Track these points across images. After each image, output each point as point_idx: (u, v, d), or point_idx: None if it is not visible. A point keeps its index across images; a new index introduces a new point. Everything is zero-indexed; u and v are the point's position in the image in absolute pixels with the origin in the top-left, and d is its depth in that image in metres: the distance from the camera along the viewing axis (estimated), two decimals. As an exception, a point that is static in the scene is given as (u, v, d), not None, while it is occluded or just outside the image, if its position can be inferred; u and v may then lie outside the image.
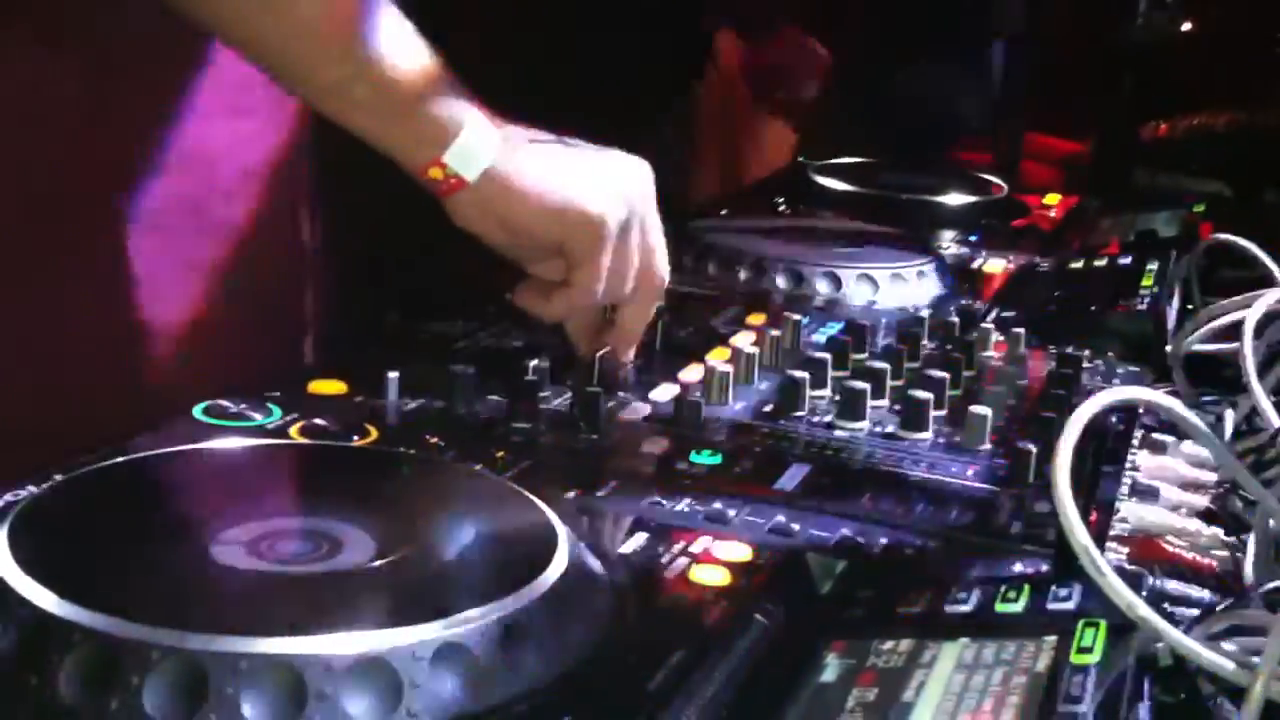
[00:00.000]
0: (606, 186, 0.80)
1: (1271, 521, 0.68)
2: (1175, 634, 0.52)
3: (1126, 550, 0.70)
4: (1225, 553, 0.74)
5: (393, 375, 0.77)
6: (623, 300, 0.84)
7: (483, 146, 0.77)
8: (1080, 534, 0.52)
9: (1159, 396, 0.59)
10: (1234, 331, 0.97)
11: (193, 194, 0.89)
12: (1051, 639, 0.53)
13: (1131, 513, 0.74)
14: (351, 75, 0.74)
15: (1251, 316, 0.88)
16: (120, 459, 0.62)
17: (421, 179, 0.78)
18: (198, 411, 0.72)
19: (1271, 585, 0.65)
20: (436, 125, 0.76)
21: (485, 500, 0.62)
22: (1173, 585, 0.67)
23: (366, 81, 0.74)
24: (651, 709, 0.49)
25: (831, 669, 0.54)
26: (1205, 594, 0.67)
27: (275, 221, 0.95)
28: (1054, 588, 0.57)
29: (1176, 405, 0.59)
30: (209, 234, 0.91)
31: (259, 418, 0.72)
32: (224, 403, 0.73)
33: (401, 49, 0.75)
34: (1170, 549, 0.73)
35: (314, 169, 1.01)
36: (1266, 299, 0.89)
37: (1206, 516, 0.77)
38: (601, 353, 0.83)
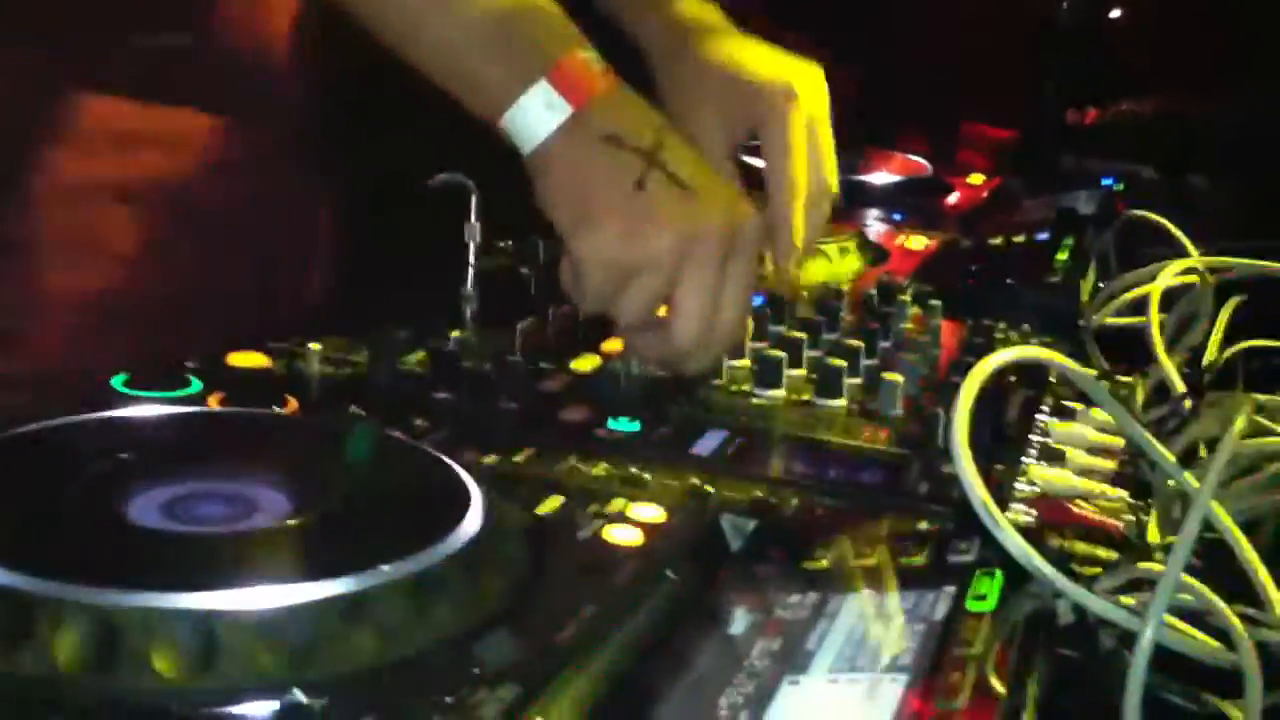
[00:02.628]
0: (673, 218, 0.75)
1: (1171, 482, 0.71)
2: (1067, 582, 0.54)
3: (1035, 512, 0.72)
4: (1131, 515, 0.76)
5: (313, 346, 0.78)
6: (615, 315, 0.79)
7: (538, 122, 0.74)
8: (975, 486, 0.54)
9: (1051, 355, 0.61)
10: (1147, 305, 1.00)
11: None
12: (950, 589, 0.55)
13: (1040, 476, 0.76)
14: (412, 32, 0.73)
15: (1156, 289, 0.90)
16: (33, 425, 0.62)
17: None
18: (117, 382, 0.72)
19: (1169, 541, 0.68)
20: (499, 85, 0.74)
21: (400, 463, 0.63)
22: (1079, 546, 0.69)
23: (433, 29, 0.73)
24: (560, 661, 0.50)
25: (739, 622, 0.55)
26: (1110, 555, 0.70)
27: (261, 206, 0.95)
28: (955, 542, 0.59)
29: (1068, 363, 0.61)
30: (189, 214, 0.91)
31: (178, 389, 0.73)
32: (141, 373, 0.73)
33: None
34: (1078, 511, 0.75)
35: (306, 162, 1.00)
36: (1170, 270, 0.91)
37: (1115, 482, 0.80)
38: (523, 324, 0.84)
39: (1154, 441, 0.64)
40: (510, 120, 0.75)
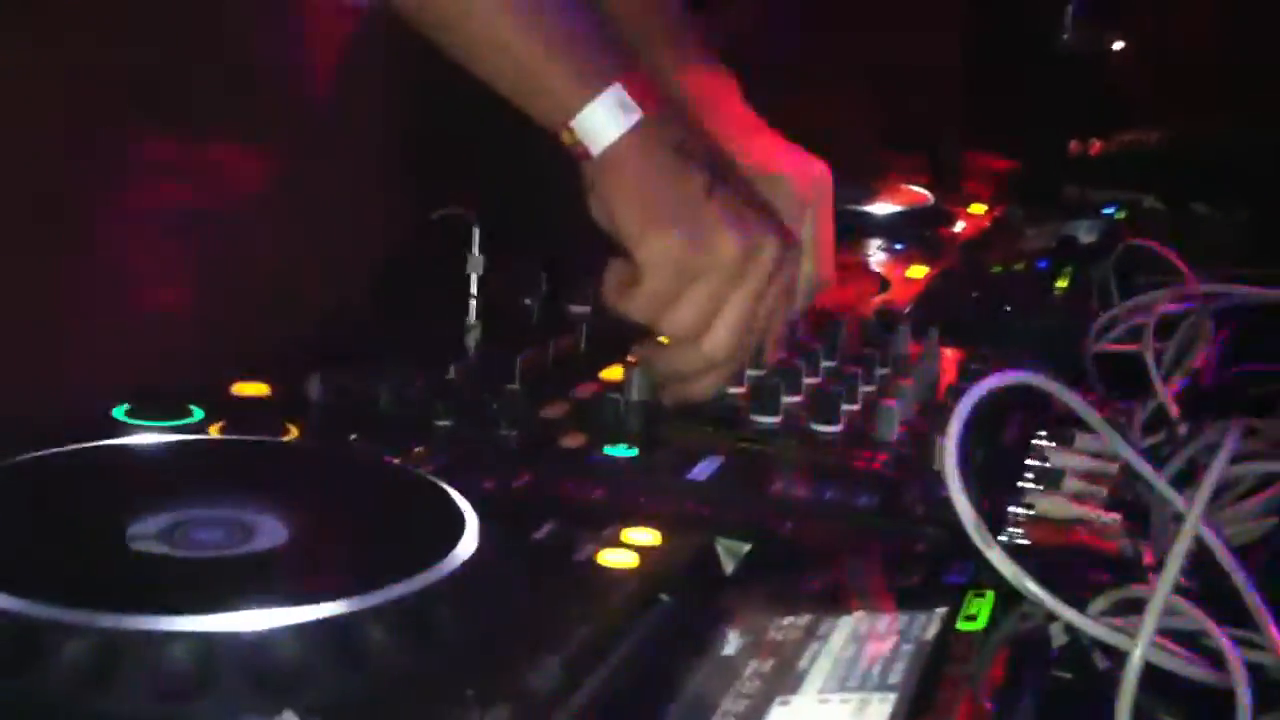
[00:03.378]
0: (735, 227, 0.77)
1: (1165, 504, 0.71)
2: (1058, 603, 0.54)
3: (1030, 536, 0.73)
4: (1127, 540, 0.77)
5: (315, 376, 0.78)
6: (677, 337, 0.80)
7: (611, 122, 0.76)
8: (966, 507, 0.54)
9: (1043, 380, 0.61)
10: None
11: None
12: (941, 610, 0.55)
13: (1036, 500, 0.76)
14: (487, 37, 0.75)
15: (1152, 316, 0.91)
16: (33, 455, 0.63)
17: (558, 141, 0.77)
18: (118, 413, 0.73)
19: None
20: (576, 87, 0.75)
21: (398, 489, 0.64)
22: (1074, 570, 0.70)
23: (499, 43, 0.74)
24: (555, 684, 0.51)
25: (732, 644, 0.56)
26: (1105, 579, 0.70)
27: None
28: (948, 564, 0.59)
29: (1060, 388, 0.62)
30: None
31: (180, 418, 0.73)
32: (144, 403, 0.74)
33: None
34: (1073, 536, 0.75)
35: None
36: (1166, 297, 0.92)
37: (1111, 506, 0.80)
38: (522, 354, 0.85)
39: (1144, 462, 0.64)
40: (582, 121, 0.76)
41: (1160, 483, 0.64)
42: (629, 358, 0.85)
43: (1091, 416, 0.65)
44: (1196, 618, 0.60)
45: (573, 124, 0.76)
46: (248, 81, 0.98)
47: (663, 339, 0.84)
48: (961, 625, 0.53)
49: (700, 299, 0.78)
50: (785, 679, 0.52)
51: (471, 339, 0.91)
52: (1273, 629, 0.61)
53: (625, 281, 0.80)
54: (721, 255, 0.77)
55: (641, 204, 0.77)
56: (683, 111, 0.81)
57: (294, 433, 0.74)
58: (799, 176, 0.88)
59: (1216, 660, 0.58)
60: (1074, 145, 1.91)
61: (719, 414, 0.82)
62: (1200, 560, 0.66)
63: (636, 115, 0.76)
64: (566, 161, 0.85)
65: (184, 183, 0.93)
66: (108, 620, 0.48)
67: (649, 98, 0.77)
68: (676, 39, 0.96)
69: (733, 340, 0.79)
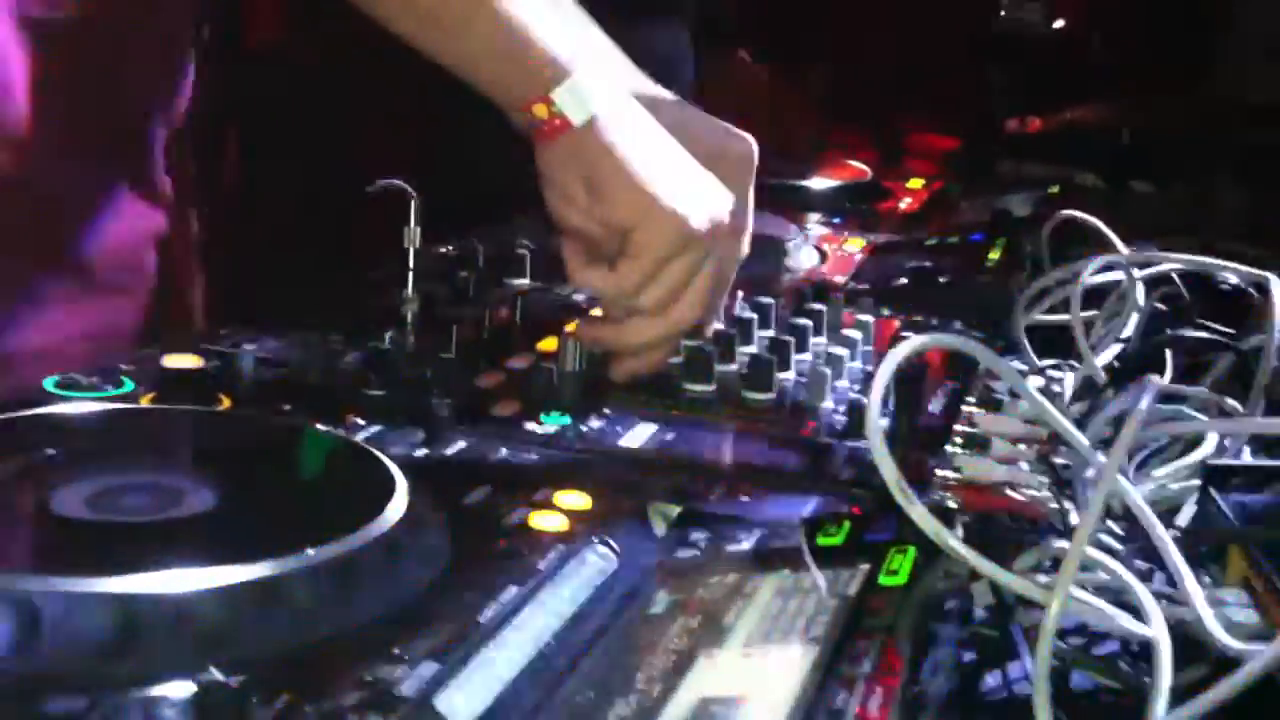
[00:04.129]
0: (707, 195, 0.79)
1: (1090, 469, 0.72)
2: (978, 557, 0.55)
3: (958, 498, 0.74)
4: (1055, 504, 0.78)
5: (248, 347, 0.78)
6: (647, 312, 0.80)
7: (594, 92, 0.76)
8: (888, 463, 0.55)
9: (966, 343, 0.62)
10: (1085, 303, 1.02)
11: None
12: (865, 566, 0.56)
13: (963, 464, 0.77)
14: (470, 10, 0.74)
15: (1079, 284, 0.92)
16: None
17: (523, 116, 0.76)
18: (49, 384, 0.73)
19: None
20: (550, 60, 0.75)
21: (328, 456, 0.64)
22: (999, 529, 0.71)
23: (488, 12, 0.74)
24: (480, 641, 0.51)
25: (661, 603, 0.56)
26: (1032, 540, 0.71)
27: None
28: (872, 523, 0.60)
29: (982, 350, 0.63)
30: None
31: (110, 389, 0.73)
32: (75, 375, 0.74)
33: None
34: (1001, 497, 0.77)
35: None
36: (1094, 265, 0.93)
37: (1038, 470, 0.81)
38: (458, 324, 0.85)
39: (1062, 419, 0.65)
40: (569, 90, 0.75)
41: (1078, 437, 0.65)
42: (566, 330, 0.86)
43: (1012, 377, 0.66)
44: (1117, 572, 0.61)
45: (554, 95, 0.75)
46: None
47: (597, 311, 0.85)
48: (883, 580, 0.54)
49: (678, 273, 0.78)
50: (711, 634, 0.52)
51: (408, 311, 0.91)
52: (1190, 581, 0.62)
53: (594, 258, 0.80)
54: (703, 228, 0.78)
55: (641, 177, 0.77)
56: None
57: (226, 404, 0.74)
58: (732, 152, 0.88)
59: (1141, 618, 0.59)
60: (1013, 123, 1.93)
61: (653, 382, 0.82)
62: (1134, 526, 0.67)
63: (609, 88, 0.77)
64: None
65: (109, 159, 0.92)
66: (30, 583, 0.48)
67: (610, 68, 0.78)
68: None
69: (700, 311, 0.80)
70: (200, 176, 1.02)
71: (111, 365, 0.76)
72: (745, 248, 0.89)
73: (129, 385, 0.74)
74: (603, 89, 0.76)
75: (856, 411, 0.77)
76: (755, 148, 0.89)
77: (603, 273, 0.80)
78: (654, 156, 0.78)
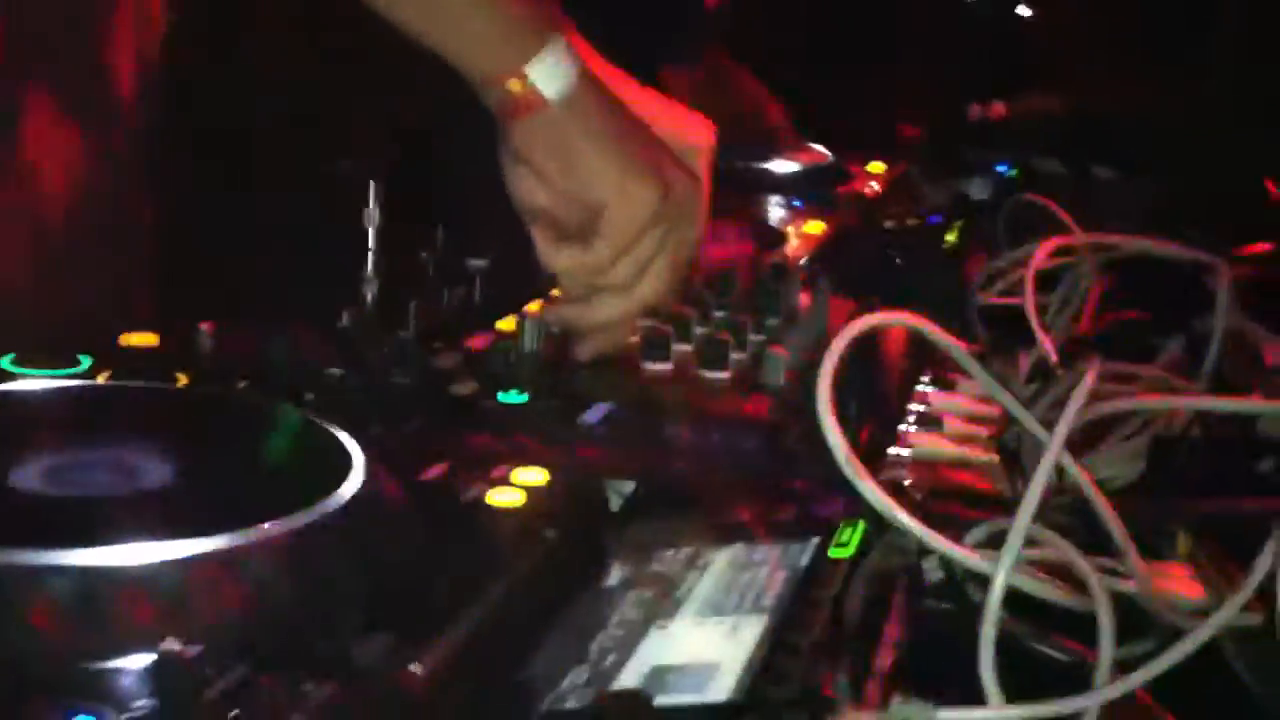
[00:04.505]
0: (674, 172, 0.80)
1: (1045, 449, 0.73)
2: (925, 530, 0.56)
3: (910, 476, 0.75)
4: (1004, 480, 0.79)
5: (204, 326, 0.78)
6: (610, 291, 0.81)
7: (568, 69, 0.75)
8: (838, 440, 0.56)
9: (915, 321, 0.63)
10: (1042, 287, 1.03)
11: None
12: (815, 539, 0.57)
13: (915, 442, 0.78)
14: None
15: (1031, 266, 0.93)
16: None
17: (495, 92, 0.76)
18: (4, 362, 0.73)
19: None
20: (525, 35, 0.75)
21: (285, 432, 0.64)
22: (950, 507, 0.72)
23: None
24: (436, 613, 0.52)
25: (615, 576, 0.57)
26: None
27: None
28: (823, 497, 0.61)
29: (930, 327, 0.64)
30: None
31: (66, 367, 0.73)
32: (31, 353, 0.74)
33: None
34: (952, 475, 0.78)
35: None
36: (1046, 247, 0.94)
37: (989, 449, 0.82)
38: (416, 303, 0.85)
39: (1007, 394, 0.66)
40: (541, 64, 0.75)
41: (1023, 414, 0.66)
42: (525, 310, 0.86)
43: (961, 355, 0.67)
44: (1062, 548, 0.62)
45: (526, 69, 0.75)
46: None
47: (556, 292, 0.85)
48: (833, 552, 0.55)
49: (647, 249, 0.79)
50: (664, 606, 0.53)
51: (368, 291, 0.91)
52: (1135, 557, 0.63)
53: (563, 239, 0.80)
54: (670, 205, 0.79)
55: (614, 153, 0.77)
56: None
57: (183, 382, 0.74)
58: (692, 133, 0.89)
59: (1087, 592, 0.60)
60: (975, 109, 1.94)
61: (612, 361, 0.83)
62: (1083, 504, 0.68)
63: (580, 64, 0.76)
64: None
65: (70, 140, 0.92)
66: (-16, 556, 0.48)
67: (583, 44, 0.77)
68: None
69: (664, 288, 0.81)
70: (156, 157, 1.01)
71: (66, 343, 0.76)
72: (703, 229, 0.89)
73: (85, 362, 0.74)
74: (575, 65, 0.77)
75: (810, 390, 0.77)
76: (714, 133, 0.89)
77: (574, 251, 0.80)
78: (624, 133, 0.79)
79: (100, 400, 0.68)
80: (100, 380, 0.72)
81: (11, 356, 0.73)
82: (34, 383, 0.69)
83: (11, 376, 0.71)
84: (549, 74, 0.75)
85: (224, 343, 0.79)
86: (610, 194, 0.77)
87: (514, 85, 0.76)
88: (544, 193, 0.79)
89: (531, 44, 0.75)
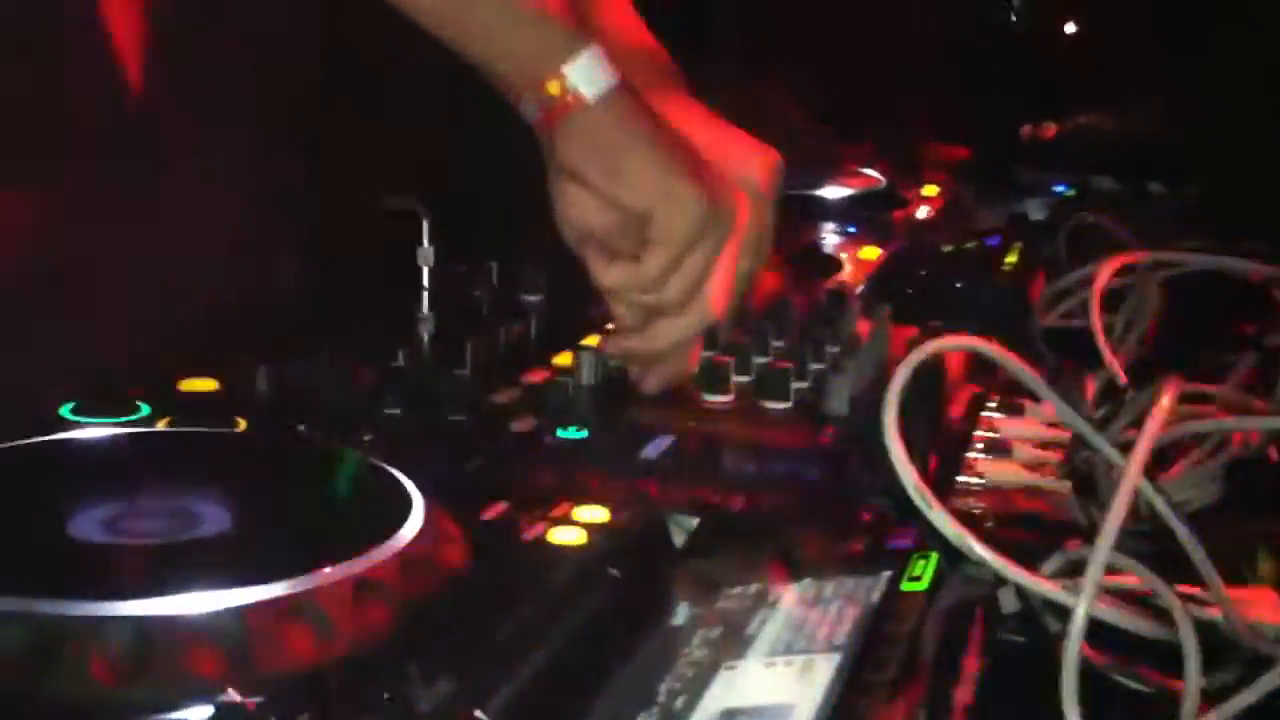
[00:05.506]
0: (722, 186, 0.78)
1: (1115, 471, 0.71)
2: (1000, 560, 0.55)
3: (980, 505, 0.73)
4: (1077, 507, 0.77)
5: (262, 369, 0.78)
6: (667, 311, 0.79)
7: (607, 71, 0.74)
8: (907, 469, 0.55)
9: (983, 345, 0.62)
10: (1104, 306, 1.01)
11: None
12: (887, 573, 0.55)
13: (985, 470, 0.77)
14: None
15: (1096, 285, 0.91)
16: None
17: (534, 96, 0.74)
18: (65, 410, 0.73)
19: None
20: (561, 38, 0.74)
21: (344, 474, 0.63)
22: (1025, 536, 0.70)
23: None
24: (499, 657, 0.51)
25: (681, 615, 0.56)
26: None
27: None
28: (894, 529, 0.60)
29: (998, 352, 0.62)
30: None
31: (126, 414, 0.73)
32: (91, 401, 0.74)
33: None
34: (1023, 503, 0.76)
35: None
36: (1110, 265, 0.92)
37: (1062, 475, 0.80)
38: (473, 340, 0.84)
39: (1079, 418, 0.64)
40: (579, 65, 0.74)
41: (1098, 439, 0.64)
42: (583, 344, 0.85)
43: (1029, 378, 0.65)
44: (1145, 576, 0.60)
45: (565, 69, 0.74)
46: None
47: (612, 326, 0.84)
48: (906, 586, 0.53)
49: (700, 261, 0.77)
50: (733, 645, 0.52)
51: (424, 330, 0.91)
52: (1219, 585, 0.61)
53: (615, 257, 0.78)
54: (721, 213, 0.77)
55: (656, 156, 0.75)
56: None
57: (242, 426, 0.73)
58: (759, 165, 0.87)
59: (1169, 621, 0.58)
60: (1026, 129, 1.92)
61: (671, 394, 0.82)
62: (1160, 529, 0.66)
63: (616, 73, 0.75)
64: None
65: (117, 181, 0.92)
66: (44, 606, 0.47)
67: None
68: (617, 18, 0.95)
69: (724, 306, 0.79)
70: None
71: (121, 390, 0.76)
72: (767, 254, 0.87)
73: (145, 410, 0.74)
74: (613, 69, 0.75)
75: (874, 418, 0.76)
76: (778, 158, 0.87)
77: (627, 266, 0.78)
78: (666, 140, 0.77)
79: (158, 447, 0.67)
80: (161, 427, 0.72)
81: (72, 405, 0.73)
82: (93, 430, 0.68)
83: (73, 426, 0.71)
84: (588, 75, 0.74)
85: (282, 385, 0.79)
86: (657, 199, 0.76)
87: (553, 87, 0.74)
88: (591, 208, 0.77)
89: (569, 46, 0.74)
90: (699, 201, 0.76)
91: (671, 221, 0.76)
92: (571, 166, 0.76)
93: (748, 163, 0.84)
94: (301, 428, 0.74)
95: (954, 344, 0.60)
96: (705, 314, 0.79)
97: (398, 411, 0.77)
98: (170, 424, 0.72)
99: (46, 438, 0.65)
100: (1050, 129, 1.92)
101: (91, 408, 0.73)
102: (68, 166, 0.90)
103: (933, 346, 0.59)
